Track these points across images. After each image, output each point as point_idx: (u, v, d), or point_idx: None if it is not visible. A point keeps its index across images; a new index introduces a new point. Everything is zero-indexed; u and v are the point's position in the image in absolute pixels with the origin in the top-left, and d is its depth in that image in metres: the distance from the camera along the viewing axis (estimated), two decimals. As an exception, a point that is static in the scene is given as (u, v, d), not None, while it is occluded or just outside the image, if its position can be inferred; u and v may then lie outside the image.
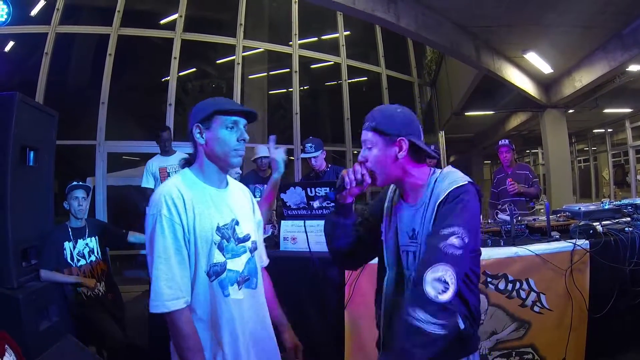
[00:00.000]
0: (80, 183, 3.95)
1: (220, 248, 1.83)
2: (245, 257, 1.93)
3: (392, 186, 1.91)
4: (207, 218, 1.82)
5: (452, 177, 1.69)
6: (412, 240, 1.74)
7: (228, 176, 2.06)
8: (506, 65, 9.34)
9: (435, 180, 1.74)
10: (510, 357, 3.17)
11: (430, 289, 1.47)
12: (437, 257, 1.52)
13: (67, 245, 3.79)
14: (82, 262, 3.85)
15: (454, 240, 1.53)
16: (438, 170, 1.79)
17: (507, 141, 5.93)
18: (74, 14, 8.15)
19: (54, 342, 2.63)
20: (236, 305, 1.85)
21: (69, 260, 3.77)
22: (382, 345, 1.84)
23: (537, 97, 10.28)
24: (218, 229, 1.84)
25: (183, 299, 1.72)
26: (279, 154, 3.04)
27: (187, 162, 1.98)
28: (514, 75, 9.54)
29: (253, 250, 1.99)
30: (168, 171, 5.30)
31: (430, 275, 1.49)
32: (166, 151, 5.53)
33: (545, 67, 9.02)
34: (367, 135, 1.75)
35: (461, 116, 12.18)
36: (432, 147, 5.91)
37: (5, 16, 4.72)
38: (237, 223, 1.93)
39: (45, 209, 3.98)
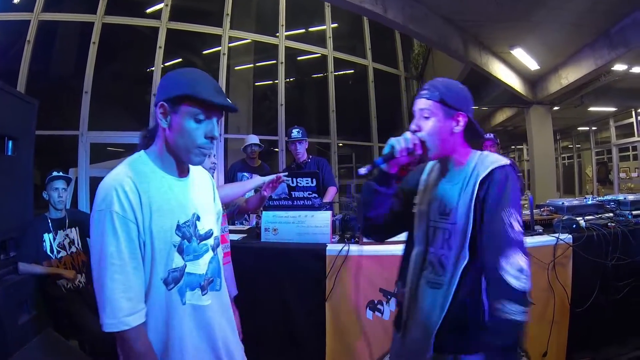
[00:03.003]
0: (61, 173, 3.85)
1: (180, 250, 1.54)
2: (207, 257, 1.65)
3: (430, 163, 1.88)
4: (166, 215, 1.52)
5: (494, 157, 1.69)
6: (442, 217, 1.72)
7: None
8: (493, 60, 9.37)
9: (476, 161, 1.72)
10: (493, 349, 3.18)
11: (513, 280, 1.48)
12: (506, 243, 1.53)
13: (47, 237, 3.71)
14: (63, 253, 3.77)
15: (514, 223, 1.55)
16: (478, 152, 1.77)
17: (492, 135, 5.94)
18: (57, 1, 7.99)
19: (33, 335, 2.59)
20: (200, 314, 1.59)
21: (48, 252, 3.69)
22: (404, 323, 1.80)
23: (523, 93, 10.35)
24: (178, 227, 1.55)
25: (142, 312, 1.45)
26: (281, 187, 3.04)
27: (145, 140, 1.65)
28: (500, 71, 9.58)
29: (216, 247, 1.72)
30: None
31: (508, 266, 1.50)
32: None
33: (532, 64, 9.07)
34: (427, 104, 1.71)
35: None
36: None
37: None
38: (198, 218, 1.63)
39: (24, 199, 3.89)
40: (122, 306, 1.40)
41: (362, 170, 1.64)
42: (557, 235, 3.19)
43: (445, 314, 1.63)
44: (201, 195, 1.71)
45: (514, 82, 10.05)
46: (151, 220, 1.48)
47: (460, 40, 8.48)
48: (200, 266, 1.61)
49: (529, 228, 3.43)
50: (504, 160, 1.66)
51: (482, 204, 1.62)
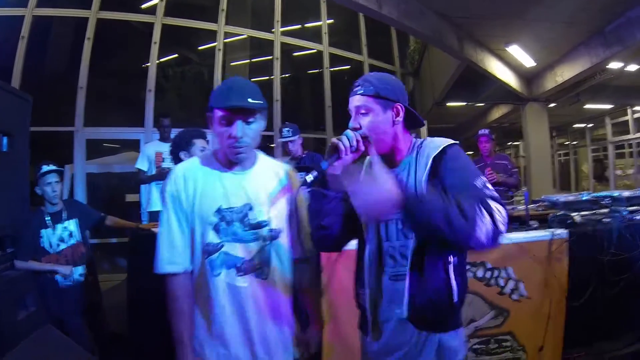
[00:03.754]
0: (51, 167, 3.83)
1: (217, 230, 1.83)
2: (255, 245, 1.87)
3: (367, 159, 1.80)
4: (208, 198, 1.84)
5: (441, 139, 1.70)
6: None
7: (265, 156, 2.05)
8: (489, 57, 9.37)
9: (420, 145, 1.73)
10: (489, 344, 3.19)
11: (496, 215, 1.48)
12: (483, 196, 1.52)
13: (44, 232, 3.71)
14: (63, 246, 3.78)
15: (488, 185, 1.57)
16: (419, 138, 1.79)
17: (486, 131, 5.95)
18: None
19: (32, 331, 2.61)
20: (233, 292, 1.82)
21: (46, 247, 3.69)
22: (372, 324, 1.78)
23: (519, 89, 10.36)
24: (219, 210, 1.83)
25: (180, 265, 1.83)
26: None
27: None
28: (496, 68, 9.59)
29: (270, 238, 1.91)
30: (164, 157, 5.20)
31: (491, 203, 1.50)
32: (165, 138, 5.45)
33: (527, 61, 9.08)
34: (362, 100, 1.71)
35: (443, 106, 12.22)
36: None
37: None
38: (250, 208, 1.87)
39: (20, 195, 3.85)
40: (163, 256, 1.82)
41: (309, 178, 1.58)
42: (552, 230, 3.20)
43: (415, 301, 1.64)
44: (261, 189, 1.92)
45: (510, 78, 10.06)
46: (194, 201, 1.83)
47: (455, 37, 8.48)
48: (240, 249, 1.84)
49: (524, 223, 3.44)
50: (453, 140, 1.69)
51: (441, 181, 1.61)
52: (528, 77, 10.41)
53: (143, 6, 8.72)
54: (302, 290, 2.06)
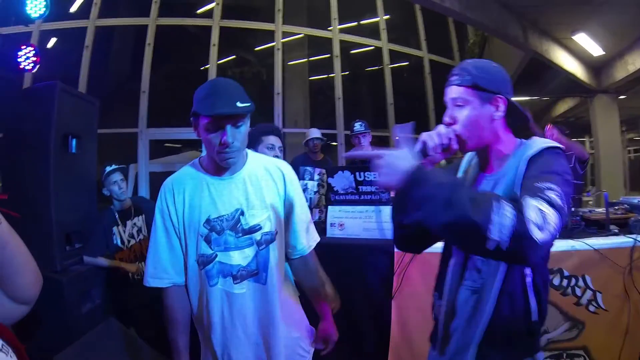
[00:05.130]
0: (115, 166, 3.94)
1: (208, 241, 1.79)
2: (251, 251, 1.81)
3: (466, 156, 1.68)
4: (196, 210, 1.79)
5: (544, 140, 1.46)
6: None
7: (256, 154, 1.97)
8: (554, 47, 8.96)
9: (524, 147, 1.49)
10: (561, 359, 3.00)
11: (532, 213, 1.15)
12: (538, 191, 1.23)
13: (116, 229, 3.84)
14: (133, 242, 3.92)
15: (551, 194, 1.22)
16: (525, 141, 1.55)
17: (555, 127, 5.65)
18: (112, 7, 8.33)
19: (97, 323, 2.71)
20: (233, 300, 1.79)
21: (119, 244, 3.82)
22: (442, 339, 1.63)
23: (586, 81, 9.84)
24: (208, 221, 1.78)
25: (165, 280, 1.82)
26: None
27: None
28: (562, 58, 9.15)
29: (265, 242, 1.83)
30: None
31: (533, 201, 1.18)
32: None
33: (595, 49, 8.60)
34: (458, 91, 1.50)
35: (506, 102, 11.74)
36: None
37: (44, 9, 4.72)
38: (242, 213, 1.80)
39: (88, 194, 4.02)
40: (149, 271, 1.83)
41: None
42: (634, 236, 2.96)
43: (488, 320, 1.47)
44: (251, 191, 1.83)
45: (577, 69, 9.57)
46: (183, 214, 1.80)
47: (519, 27, 8.16)
48: (233, 257, 1.79)
49: (602, 227, 3.22)
50: (557, 144, 1.44)
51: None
52: (596, 67, 9.87)
53: (200, 11, 8.95)
54: (304, 289, 2.06)
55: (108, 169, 3.89)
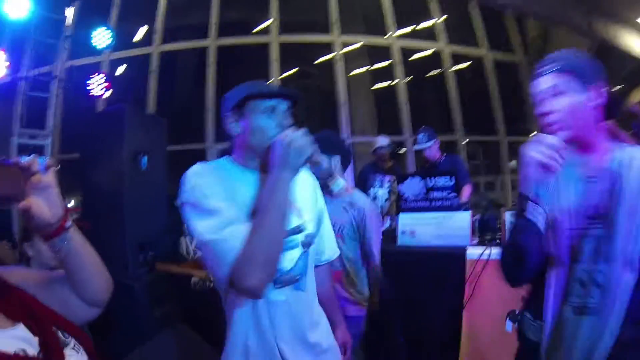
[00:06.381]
0: None
1: None
2: (295, 252, 1.63)
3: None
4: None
5: None
6: (591, 221, 1.36)
7: None
8: (622, 31, 8.46)
9: (628, 151, 1.39)
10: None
11: None
12: None
13: (183, 240, 3.94)
14: (199, 253, 3.97)
15: None
16: (619, 143, 1.45)
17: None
18: (173, 32, 8.87)
19: (166, 327, 2.82)
20: (269, 307, 1.57)
21: (184, 254, 3.91)
22: None
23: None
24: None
25: None
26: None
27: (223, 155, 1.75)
28: (632, 42, 8.61)
29: (307, 245, 1.68)
30: None
31: None
32: None
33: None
34: (554, 79, 1.41)
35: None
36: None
37: (110, 39, 5.08)
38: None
39: (159, 208, 4.20)
40: None
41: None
42: None
43: (611, 347, 1.29)
44: (297, 191, 1.66)
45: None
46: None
47: (581, 14, 7.78)
48: (284, 260, 1.56)
49: None
50: None
51: None
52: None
53: (257, 29, 9.25)
54: (322, 297, 1.85)
55: None
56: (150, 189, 4.10)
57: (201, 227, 1.42)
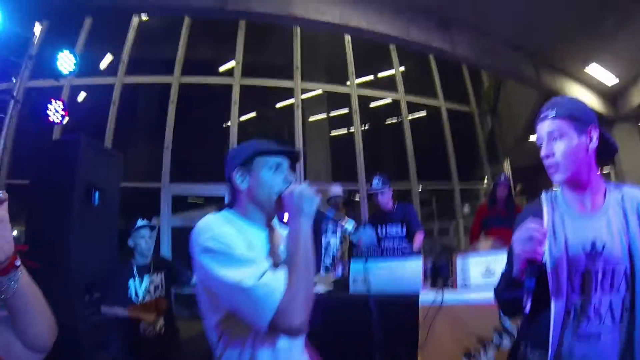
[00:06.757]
0: (147, 223, 3.94)
1: None
2: None
3: (543, 196, 1.67)
4: None
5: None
6: (592, 257, 1.48)
7: None
8: (567, 82, 9.05)
9: (618, 189, 1.56)
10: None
11: None
12: None
13: (132, 283, 3.79)
14: (148, 297, 3.85)
15: None
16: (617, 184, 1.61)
17: (503, 177, 5.65)
18: (138, 65, 8.74)
19: None
20: (278, 355, 1.60)
21: (133, 297, 3.77)
22: None
23: (603, 112, 9.81)
24: None
25: None
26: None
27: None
28: (577, 92, 9.19)
29: None
30: None
31: None
32: None
33: (609, 79, 8.65)
34: (554, 124, 1.53)
35: (525, 142, 11.64)
36: (502, 176, 5.62)
37: (73, 66, 4.99)
38: None
39: (109, 246, 4.07)
40: None
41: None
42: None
43: None
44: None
45: (593, 101, 9.57)
46: None
47: (531, 67, 8.25)
48: None
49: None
50: None
51: None
52: (612, 97, 9.90)
53: (221, 69, 9.32)
54: None
55: (141, 222, 3.89)
56: (101, 226, 3.95)
57: (236, 275, 1.42)
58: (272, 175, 1.65)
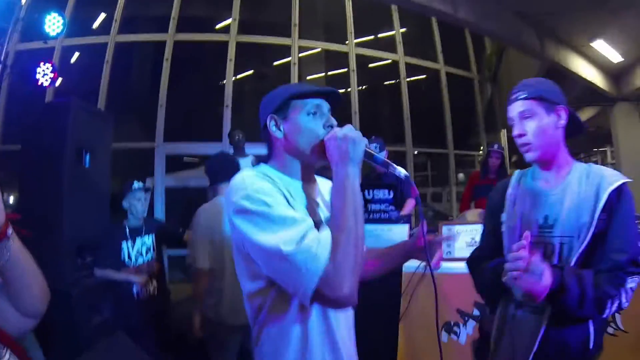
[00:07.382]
0: (142, 185, 3.92)
1: None
2: None
3: (516, 173, 1.80)
4: None
5: (614, 172, 1.62)
6: (544, 230, 1.60)
7: None
8: (572, 55, 8.90)
9: (586, 171, 1.63)
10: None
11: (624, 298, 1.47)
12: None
13: (125, 244, 3.80)
14: (141, 260, 3.87)
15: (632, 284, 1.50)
16: (579, 162, 1.69)
17: (495, 146, 5.64)
18: (131, 23, 8.58)
19: (105, 337, 2.72)
20: (340, 322, 1.55)
21: (126, 259, 3.79)
22: (493, 352, 1.67)
23: (606, 89, 9.72)
24: None
25: None
26: None
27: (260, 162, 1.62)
28: (580, 66, 9.05)
29: None
30: None
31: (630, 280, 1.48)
32: (238, 152, 5.62)
33: (614, 56, 8.49)
34: (525, 104, 1.64)
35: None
36: (495, 145, 5.60)
37: (61, 27, 4.88)
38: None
39: (101, 208, 4.08)
40: None
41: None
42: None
43: (542, 340, 1.50)
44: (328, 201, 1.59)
45: (595, 77, 9.48)
46: None
47: (535, 36, 8.11)
48: None
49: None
50: (626, 178, 1.60)
51: (609, 218, 1.51)
52: (615, 75, 9.77)
53: (217, 26, 9.09)
54: None
55: (137, 185, 3.85)
56: (92, 188, 3.95)
57: (275, 238, 1.26)
58: (311, 120, 1.51)
